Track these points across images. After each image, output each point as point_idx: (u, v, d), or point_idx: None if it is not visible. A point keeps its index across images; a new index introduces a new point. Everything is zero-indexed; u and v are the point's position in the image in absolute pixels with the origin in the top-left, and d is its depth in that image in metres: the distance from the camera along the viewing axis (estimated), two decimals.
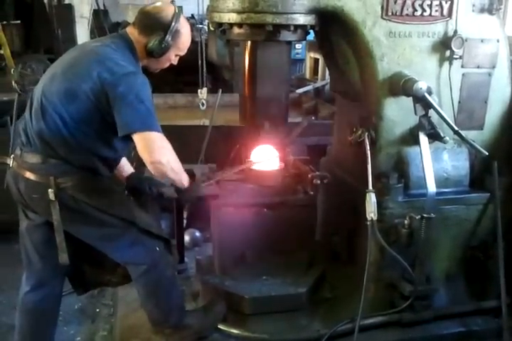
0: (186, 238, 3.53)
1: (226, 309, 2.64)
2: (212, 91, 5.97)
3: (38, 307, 2.30)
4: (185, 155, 3.72)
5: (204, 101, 4.34)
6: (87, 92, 2.00)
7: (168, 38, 2.11)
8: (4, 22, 6.40)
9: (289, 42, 2.57)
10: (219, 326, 2.59)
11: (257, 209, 2.72)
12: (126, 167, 2.46)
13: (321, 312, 2.76)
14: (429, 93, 2.38)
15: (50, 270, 2.30)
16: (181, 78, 7.50)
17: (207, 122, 4.35)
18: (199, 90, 4.41)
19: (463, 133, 2.56)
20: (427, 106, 2.39)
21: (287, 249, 2.79)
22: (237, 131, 4.11)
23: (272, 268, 2.80)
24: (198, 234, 3.67)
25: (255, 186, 2.76)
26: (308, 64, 7.41)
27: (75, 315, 3.05)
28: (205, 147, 3.82)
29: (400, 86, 2.40)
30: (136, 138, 2.00)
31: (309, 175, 2.70)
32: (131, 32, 2.17)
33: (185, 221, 3.63)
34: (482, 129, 2.68)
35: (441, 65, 2.52)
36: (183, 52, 2.26)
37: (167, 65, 2.29)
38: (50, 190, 2.04)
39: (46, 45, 6.85)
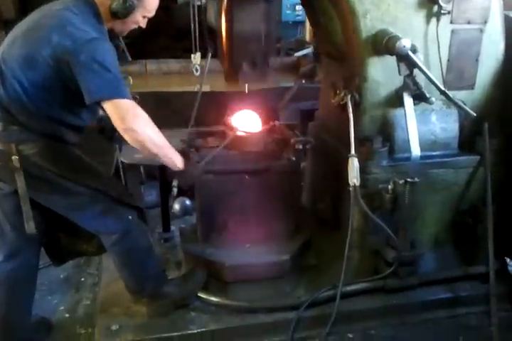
0: (176, 206, 3.48)
1: (207, 277, 2.60)
2: (212, 56, 5.81)
3: (11, 277, 2.27)
4: (176, 121, 3.65)
5: (198, 67, 4.20)
6: (46, 59, 1.91)
7: None
8: None
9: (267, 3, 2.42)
10: (199, 294, 2.55)
11: (238, 175, 2.64)
12: None
13: (304, 279, 2.73)
14: (414, 51, 2.24)
15: (23, 240, 2.25)
16: (180, 44, 7.32)
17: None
18: (192, 55, 4.26)
19: (452, 93, 2.44)
20: (412, 65, 2.26)
21: (271, 216, 2.72)
22: (228, 96, 4.01)
23: (255, 235, 2.75)
24: (188, 202, 3.60)
25: (236, 152, 2.67)
26: (308, 26, 7.17)
27: (60, 284, 3.03)
28: (194, 113, 3.72)
29: (383, 44, 2.26)
30: (107, 105, 1.92)
31: (292, 140, 2.61)
32: None
33: (175, 189, 3.59)
34: (473, 89, 2.55)
35: (428, 21, 2.37)
36: (151, 14, 2.13)
37: (134, 27, 2.16)
38: (14, 158, 1.98)
39: None
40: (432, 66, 2.44)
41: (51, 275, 3.07)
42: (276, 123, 2.88)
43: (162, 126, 3.53)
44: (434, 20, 2.36)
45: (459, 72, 2.48)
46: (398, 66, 2.28)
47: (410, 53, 2.23)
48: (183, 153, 2.24)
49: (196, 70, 4.15)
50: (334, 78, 2.63)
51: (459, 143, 2.61)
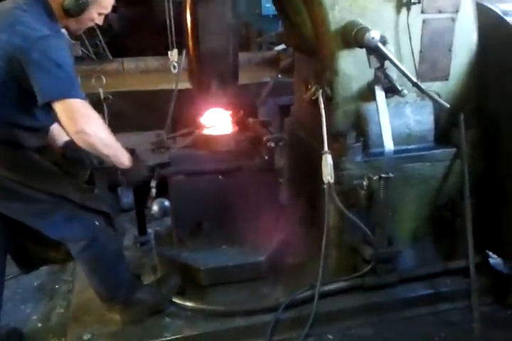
0: (155, 208, 3.39)
1: (182, 282, 2.53)
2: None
3: None
4: (153, 121, 3.56)
5: (175, 64, 4.12)
6: None
7: None
8: None
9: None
10: (174, 299, 2.48)
11: (210, 176, 2.57)
12: (59, 135, 2.28)
13: (283, 280, 2.66)
14: (384, 43, 2.18)
15: None
16: (163, 40, 7.19)
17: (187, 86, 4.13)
18: (169, 52, 4.16)
19: (426, 84, 2.40)
20: (382, 57, 2.20)
21: (246, 216, 2.65)
22: None
23: (231, 237, 2.68)
24: (167, 203, 3.51)
25: (208, 152, 2.59)
26: None
27: (34, 292, 2.94)
28: (171, 112, 3.63)
29: (352, 36, 2.19)
30: (56, 106, 1.84)
31: (264, 138, 2.53)
32: None
33: (154, 190, 3.50)
34: (447, 80, 2.49)
35: (398, 11, 2.31)
36: (106, 10, 2.05)
37: (90, 24, 2.07)
38: None
39: None
40: (404, 57, 2.37)
41: (25, 283, 2.97)
42: (250, 120, 2.81)
43: (138, 126, 3.49)
44: (404, 10, 2.30)
45: (432, 63, 2.42)
46: (368, 59, 2.21)
47: (380, 45, 2.16)
48: (131, 152, 2.17)
49: (174, 67, 4.06)
50: (305, 73, 2.57)
51: (434, 136, 2.55)
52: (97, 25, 2.09)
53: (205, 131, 2.59)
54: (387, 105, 2.40)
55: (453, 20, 2.36)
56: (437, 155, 2.52)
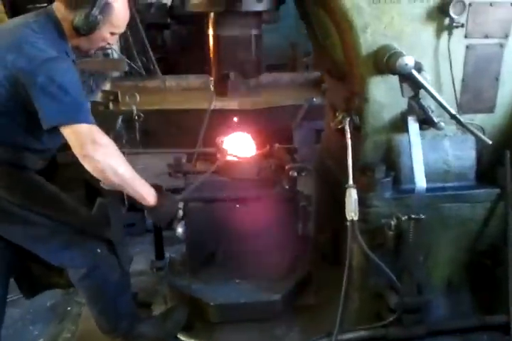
0: (179, 230, 3.27)
1: (190, 316, 2.37)
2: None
3: None
4: (185, 141, 3.47)
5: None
6: (1, 81, 1.77)
7: (96, 12, 1.81)
8: None
9: (258, 13, 2.19)
10: (179, 335, 2.32)
11: (228, 204, 2.41)
12: None
13: (300, 322, 2.45)
14: (418, 70, 1.96)
15: None
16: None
17: (220, 105, 4.01)
18: None
19: (468, 116, 2.18)
20: (416, 85, 1.98)
21: (264, 249, 2.47)
22: (241, 114, 3.80)
23: (247, 270, 2.50)
24: None
25: (227, 178, 2.44)
26: None
27: (45, 313, 2.85)
28: (203, 133, 3.52)
29: (384, 62, 1.99)
30: (65, 131, 1.76)
31: (286, 167, 2.36)
32: (58, 7, 1.88)
33: (181, 211, 3.39)
34: (493, 112, 2.23)
35: (438, 35, 2.09)
36: (119, 30, 1.96)
37: (102, 44, 1.99)
38: None
39: None
40: (444, 86, 2.15)
41: (38, 302, 2.89)
42: (276, 146, 2.64)
43: (169, 145, 3.40)
44: (445, 34, 2.07)
45: (475, 93, 2.18)
46: (401, 87, 2.00)
47: (414, 72, 1.95)
48: (157, 188, 2.00)
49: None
50: (334, 98, 2.38)
51: (476, 174, 2.29)
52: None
53: (227, 157, 2.44)
54: (423, 137, 2.18)
55: (501, 46, 2.12)
56: (478, 195, 2.26)
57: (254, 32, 2.17)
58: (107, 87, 4.81)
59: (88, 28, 1.85)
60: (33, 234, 1.97)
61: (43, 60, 1.75)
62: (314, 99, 3.29)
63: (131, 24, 7.58)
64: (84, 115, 1.78)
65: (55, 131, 1.81)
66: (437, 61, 2.12)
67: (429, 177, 2.18)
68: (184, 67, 6.78)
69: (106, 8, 1.83)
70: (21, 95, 1.77)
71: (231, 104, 4.25)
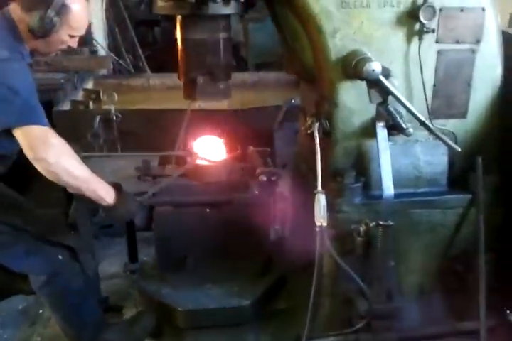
0: None
1: (158, 322, 2.34)
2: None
3: None
4: (165, 142, 3.43)
5: None
6: None
7: (51, 14, 1.77)
8: None
9: (226, 16, 2.15)
10: None
11: (197, 208, 2.38)
12: None
13: (271, 327, 2.44)
14: (386, 76, 1.93)
15: None
16: None
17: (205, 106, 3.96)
18: None
19: (440, 122, 2.16)
20: (384, 91, 1.95)
21: (235, 253, 2.45)
22: (220, 114, 3.75)
23: (218, 275, 2.49)
24: None
25: (197, 182, 2.41)
26: None
27: (16, 316, 2.82)
28: (182, 134, 3.49)
29: (352, 67, 1.96)
30: (16, 133, 1.74)
31: (256, 171, 2.33)
32: (14, 9, 1.85)
33: None
34: (465, 117, 2.20)
35: (409, 40, 2.05)
36: (78, 32, 1.92)
37: (61, 47, 1.95)
38: None
39: None
40: (415, 92, 2.12)
41: (10, 305, 2.86)
42: (250, 149, 2.62)
43: (148, 146, 3.36)
44: (415, 39, 2.04)
45: (447, 99, 2.15)
46: (369, 93, 1.97)
47: (382, 78, 1.92)
48: (116, 187, 1.98)
49: None
50: (306, 102, 2.35)
51: (448, 180, 2.26)
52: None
53: (196, 160, 2.41)
54: (394, 143, 2.17)
55: (473, 51, 2.09)
56: (449, 201, 2.23)
57: (222, 35, 2.13)
58: (90, 85, 4.76)
59: (44, 31, 1.81)
60: None
61: None
62: (293, 101, 3.25)
63: (119, 21, 7.45)
64: (36, 117, 1.75)
65: (10, 134, 1.78)
66: (408, 66, 2.09)
67: (399, 182, 2.17)
68: (175, 64, 6.72)
69: (63, 9, 1.79)
70: None
71: (218, 104, 4.21)
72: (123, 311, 2.60)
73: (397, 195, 2.14)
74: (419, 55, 2.05)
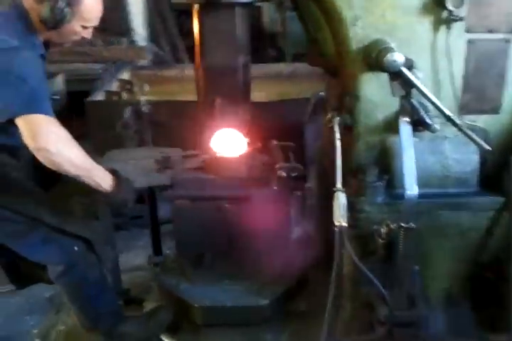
0: None
1: (176, 317, 2.33)
2: (262, 60, 5.44)
3: None
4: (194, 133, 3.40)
5: None
6: None
7: (61, 4, 1.76)
8: None
9: (245, 5, 2.08)
10: (162, 337, 2.28)
11: (216, 203, 2.34)
12: None
13: (289, 329, 2.37)
14: (409, 67, 1.80)
15: None
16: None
17: None
18: None
19: (471, 117, 2.01)
20: (407, 84, 1.83)
21: (254, 251, 2.39)
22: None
23: (238, 272, 2.43)
24: None
25: (216, 176, 2.36)
26: None
27: (43, 304, 2.89)
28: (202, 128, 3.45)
29: (374, 58, 1.85)
30: (19, 122, 1.73)
31: (276, 166, 2.26)
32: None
33: None
34: (498, 113, 2.04)
35: (436, 29, 1.91)
36: (91, 23, 1.90)
37: (75, 38, 1.94)
38: None
39: None
40: (444, 85, 1.98)
41: (37, 293, 2.94)
42: (273, 142, 2.54)
43: (178, 138, 3.34)
44: (443, 28, 1.90)
45: (478, 92, 1.99)
46: (391, 85, 1.85)
47: (404, 69, 1.79)
48: (113, 173, 1.98)
49: None
50: (329, 96, 2.25)
51: (478, 180, 2.10)
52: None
53: (216, 153, 2.36)
54: (421, 139, 2.04)
55: (507, 41, 1.92)
56: (480, 203, 2.08)
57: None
58: (126, 75, 4.79)
59: (55, 22, 1.81)
60: (9, 230, 1.97)
61: (3, 49, 1.73)
62: (321, 93, 3.12)
63: (159, 10, 7.40)
64: (41, 106, 1.75)
65: None
66: (435, 57, 1.95)
67: (426, 182, 2.04)
68: None
69: (73, 0, 1.77)
70: None
71: (253, 96, 4.13)
72: (144, 304, 2.60)
73: (422, 195, 2.00)
74: (448, 45, 1.91)
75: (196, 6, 2.07)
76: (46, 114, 1.74)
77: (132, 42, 5.59)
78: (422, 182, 1.98)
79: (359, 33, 1.92)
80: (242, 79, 2.21)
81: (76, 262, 2.05)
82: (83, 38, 1.95)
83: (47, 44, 1.96)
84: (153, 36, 6.15)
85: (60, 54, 5.33)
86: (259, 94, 4.31)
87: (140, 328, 2.25)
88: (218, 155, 2.35)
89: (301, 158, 2.81)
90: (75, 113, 4.00)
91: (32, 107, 1.72)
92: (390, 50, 1.81)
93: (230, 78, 2.17)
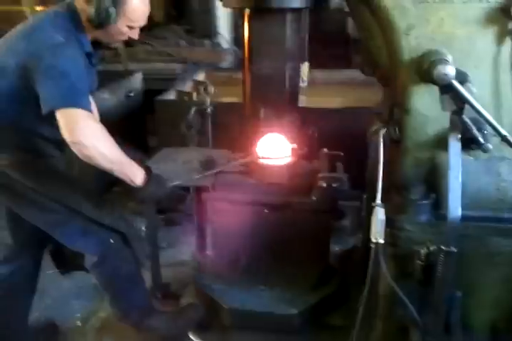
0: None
1: (206, 316, 2.34)
2: (329, 66, 5.35)
3: (6, 280, 2.27)
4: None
5: (304, 77, 3.92)
6: (14, 68, 1.84)
7: (106, 4, 1.81)
8: None
9: (295, 10, 2.03)
10: (190, 335, 2.30)
11: (256, 208, 2.32)
12: None
13: None
14: (462, 81, 1.68)
15: (20, 245, 2.25)
16: (327, 51, 7.03)
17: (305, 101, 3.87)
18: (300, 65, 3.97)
19: None
20: (458, 99, 1.71)
21: (292, 258, 2.35)
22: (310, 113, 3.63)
23: (273, 278, 2.40)
24: None
25: (258, 181, 2.35)
26: None
27: (90, 290, 3.00)
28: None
29: (426, 69, 1.74)
30: (58, 115, 1.78)
31: (318, 176, 2.20)
32: None
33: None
34: None
35: (499, 41, 1.76)
36: (137, 23, 1.93)
37: (121, 38, 1.98)
38: None
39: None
40: (505, 102, 1.83)
41: (86, 278, 3.05)
42: (323, 151, 2.48)
43: (236, 140, 3.36)
44: (508, 40, 1.75)
45: None
46: (441, 99, 1.74)
47: (455, 83, 1.68)
48: (146, 168, 2.01)
49: (302, 81, 3.83)
50: (380, 106, 2.15)
51: None
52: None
53: (260, 159, 2.34)
54: (476, 158, 1.90)
55: None
56: None
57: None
58: (201, 76, 4.89)
59: (101, 21, 1.85)
60: (49, 218, 2.06)
61: (50, 44, 1.80)
62: None
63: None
64: (80, 100, 1.79)
65: None
66: (497, 72, 1.80)
67: (478, 204, 1.91)
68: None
69: (119, 0, 1.81)
70: (28, 80, 1.82)
71: (328, 102, 4.06)
72: (180, 300, 2.63)
73: (472, 218, 1.88)
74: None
75: (247, 11, 2.06)
76: (84, 108, 1.78)
77: (215, 44, 5.69)
78: (473, 204, 1.87)
79: (412, 43, 1.81)
80: (289, 85, 2.16)
81: (111, 254, 2.11)
82: (130, 38, 1.98)
83: (98, 43, 2.02)
84: (237, 40, 6.25)
85: (145, 53, 5.56)
86: (335, 99, 4.27)
87: (168, 324, 2.29)
88: (262, 160, 2.32)
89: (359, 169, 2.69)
90: (149, 110, 4.15)
91: (70, 101, 1.77)
92: (442, 62, 1.69)
93: (277, 84, 2.13)
